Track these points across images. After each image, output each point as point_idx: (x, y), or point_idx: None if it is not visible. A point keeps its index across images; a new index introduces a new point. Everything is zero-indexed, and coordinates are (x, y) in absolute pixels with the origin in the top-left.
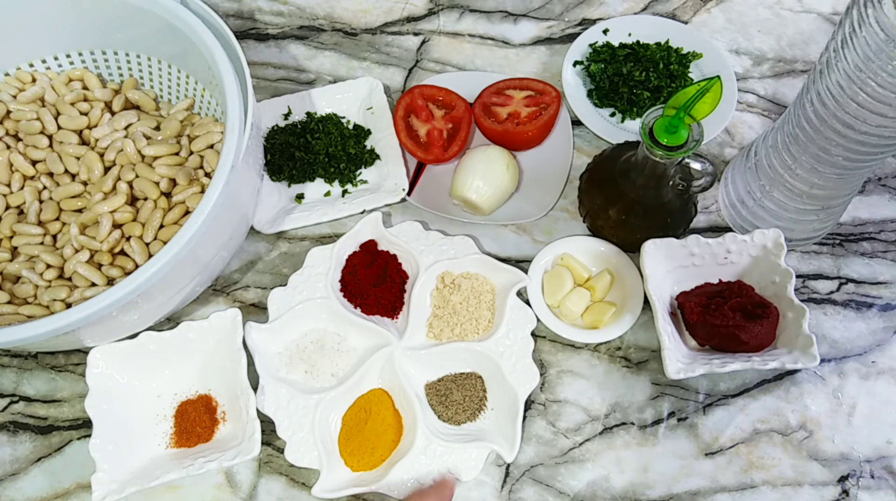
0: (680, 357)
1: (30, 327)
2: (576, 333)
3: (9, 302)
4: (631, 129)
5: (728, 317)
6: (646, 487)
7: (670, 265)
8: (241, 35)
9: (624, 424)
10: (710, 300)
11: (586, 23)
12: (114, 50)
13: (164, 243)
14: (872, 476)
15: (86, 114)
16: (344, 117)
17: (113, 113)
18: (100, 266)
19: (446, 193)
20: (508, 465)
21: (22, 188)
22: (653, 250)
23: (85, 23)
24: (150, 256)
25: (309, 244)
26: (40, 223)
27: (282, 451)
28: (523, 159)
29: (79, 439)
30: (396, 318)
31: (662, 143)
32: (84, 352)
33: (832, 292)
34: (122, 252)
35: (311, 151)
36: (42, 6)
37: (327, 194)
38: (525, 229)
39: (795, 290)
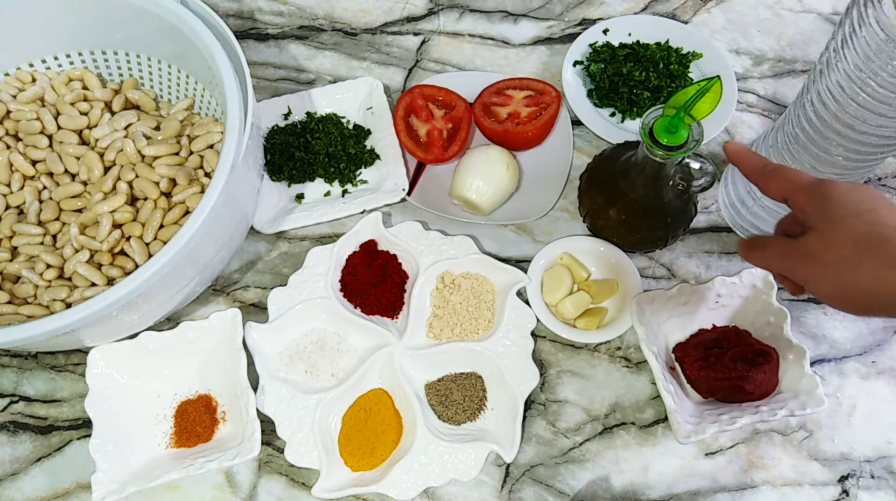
0: (688, 417)
1: (30, 327)
2: (576, 333)
3: (9, 302)
4: (631, 129)
5: (729, 368)
6: (646, 487)
7: (661, 318)
8: (241, 35)
9: (624, 424)
10: (709, 352)
11: (586, 23)
12: (114, 50)
13: (164, 243)
14: (872, 476)
15: (86, 114)
16: (344, 117)
17: (113, 113)
18: (100, 266)
19: (446, 193)
20: (508, 465)
21: (22, 188)
22: (639, 309)
23: (85, 23)
24: (150, 256)
25: (309, 244)
26: (40, 223)
27: (282, 451)
28: (523, 159)
29: (79, 439)
30: (396, 318)
31: (662, 143)
32: (84, 352)
33: None
34: (122, 252)
35: (311, 151)
36: (42, 6)
37: (327, 194)
38: (525, 229)
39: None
